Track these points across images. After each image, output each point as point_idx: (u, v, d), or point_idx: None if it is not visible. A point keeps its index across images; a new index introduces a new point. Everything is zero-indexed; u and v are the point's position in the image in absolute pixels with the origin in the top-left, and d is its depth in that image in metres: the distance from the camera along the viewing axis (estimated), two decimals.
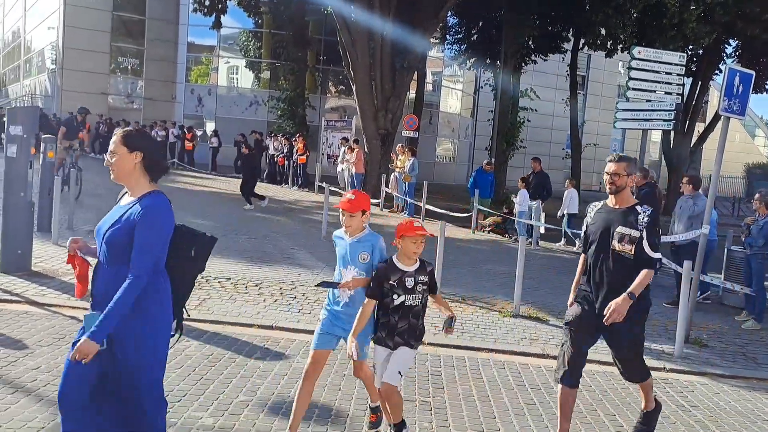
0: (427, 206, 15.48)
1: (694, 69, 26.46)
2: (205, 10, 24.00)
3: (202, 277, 7.68)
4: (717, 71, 26.94)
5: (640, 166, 10.81)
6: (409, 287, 3.70)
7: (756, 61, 25.76)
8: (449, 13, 23.79)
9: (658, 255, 4.01)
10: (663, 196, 10.48)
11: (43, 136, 9.51)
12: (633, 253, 3.97)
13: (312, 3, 22.64)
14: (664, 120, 11.55)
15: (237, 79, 32.07)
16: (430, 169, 30.44)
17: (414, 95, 26.86)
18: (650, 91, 11.74)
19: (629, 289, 3.91)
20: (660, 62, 11.79)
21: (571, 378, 4.10)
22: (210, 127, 28.95)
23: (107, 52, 30.51)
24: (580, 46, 25.23)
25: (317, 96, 30.03)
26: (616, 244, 4.02)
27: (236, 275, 8.01)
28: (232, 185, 18.16)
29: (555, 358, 5.79)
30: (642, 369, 4.27)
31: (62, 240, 8.61)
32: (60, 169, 12.69)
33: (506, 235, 14.61)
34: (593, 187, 40.71)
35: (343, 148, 19.68)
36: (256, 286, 7.69)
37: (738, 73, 6.93)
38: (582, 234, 4.39)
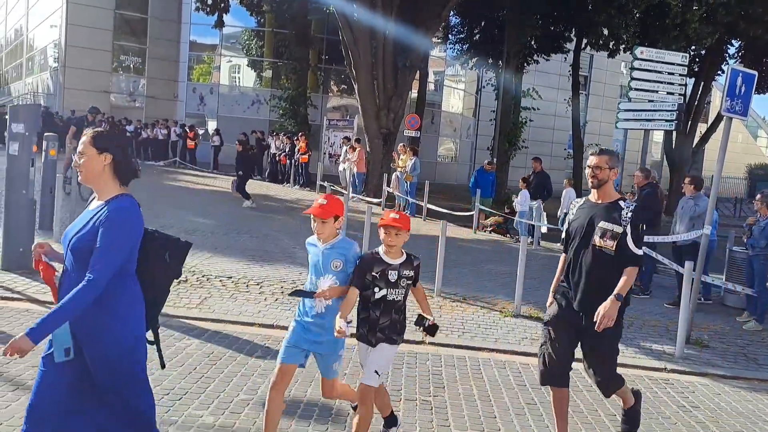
0: (429, 206, 15.48)
1: (696, 69, 26.43)
2: (208, 8, 24.04)
3: (203, 276, 7.69)
4: (719, 72, 26.92)
5: (642, 167, 10.82)
6: (392, 281, 3.56)
7: (759, 62, 25.75)
8: (452, 13, 23.78)
9: (641, 252, 3.91)
10: (664, 197, 10.47)
11: (45, 134, 9.51)
12: (615, 249, 3.85)
13: (314, 2, 22.65)
14: (666, 120, 11.55)
15: (239, 78, 32.09)
16: (432, 168, 30.45)
17: (416, 95, 26.86)
18: (652, 91, 11.73)
19: (616, 291, 3.78)
20: (662, 62, 11.78)
21: (552, 379, 4.03)
22: (212, 125, 28.97)
23: (109, 51, 30.55)
24: (583, 46, 25.21)
25: (319, 95, 30.04)
26: (597, 240, 3.90)
27: (237, 274, 8.02)
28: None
29: None
30: (616, 374, 4.08)
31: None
32: (69, 169, 12.65)
33: (508, 235, 14.60)
34: None
35: (344, 148, 19.67)
36: (258, 285, 7.69)
37: (740, 74, 6.92)
38: (564, 231, 4.25)
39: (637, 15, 20.94)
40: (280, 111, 26.44)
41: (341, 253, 3.55)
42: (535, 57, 25.92)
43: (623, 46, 22.11)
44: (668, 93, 11.78)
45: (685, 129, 26.19)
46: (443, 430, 4.37)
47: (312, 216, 3.53)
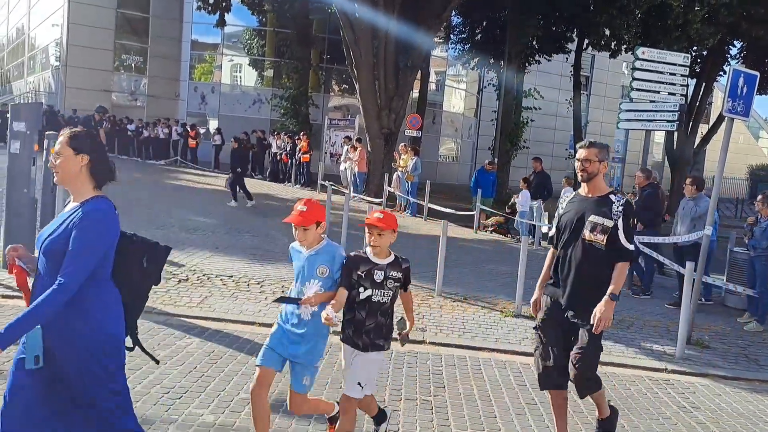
0: (430, 205, 15.48)
1: (698, 70, 26.38)
2: (209, 8, 24.03)
3: (204, 275, 7.69)
4: (721, 72, 26.88)
5: (643, 167, 10.82)
6: (378, 281, 3.43)
7: (760, 63, 25.69)
8: (453, 13, 23.77)
9: (633, 246, 3.83)
10: (666, 197, 10.46)
11: (46, 133, 9.51)
12: (605, 243, 3.78)
13: (316, 1, 22.65)
14: (668, 121, 11.54)
15: (240, 77, 32.09)
16: (433, 168, 30.44)
17: (417, 94, 26.86)
18: (654, 91, 11.73)
19: (610, 291, 3.72)
20: (664, 63, 11.78)
21: (550, 382, 3.99)
22: (213, 125, 28.98)
23: (111, 50, 30.56)
24: (584, 46, 25.19)
25: (320, 94, 30.04)
26: (587, 234, 3.83)
27: (238, 273, 8.02)
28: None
29: None
30: (595, 374, 3.96)
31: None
32: None
33: (509, 235, 14.60)
34: None
35: (346, 147, 19.67)
36: (258, 284, 7.69)
37: (742, 74, 6.92)
38: (554, 225, 4.16)
39: (639, 15, 20.92)
40: (282, 110, 26.45)
41: (327, 258, 3.45)
42: (537, 57, 25.91)
43: (625, 46, 22.10)
44: (670, 93, 11.78)
45: (687, 130, 26.14)
46: (444, 429, 4.36)
47: (293, 225, 3.40)
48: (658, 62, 11.76)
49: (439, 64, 33.58)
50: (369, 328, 3.46)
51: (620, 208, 3.81)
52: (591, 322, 3.73)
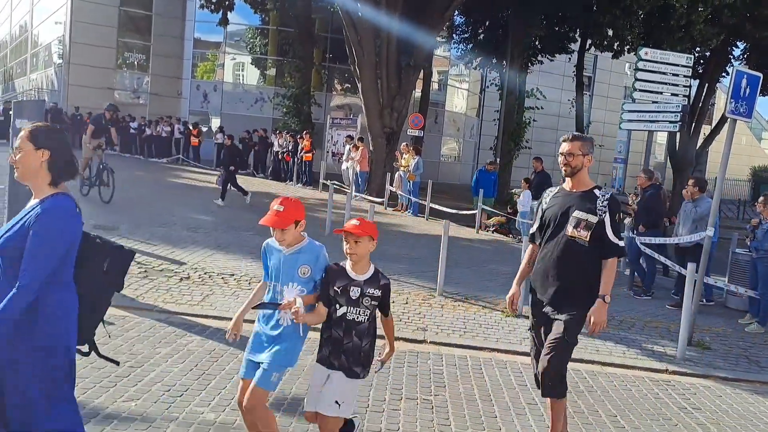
0: (432, 205, 15.48)
1: (701, 71, 26.34)
2: (212, 6, 24.05)
3: (205, 273, 7.69)
4: (724, 73, 26.83)
5: (645, 168, 10.81)
6: (353, 298, 3.18)
7: (764, 64, 25.60)
8: (456, 12, 23.77)
9: (622, 242, 3.73)
10: (668, 198, 10.46)
11: None
12: (588, 240, 3.67)
13: (319, 0, 22.66)
14: (670, 122, 11.54)
15: (243, 76, 32.11)
16: (435, 168, 30.44)
17: (420, 94, 26.86)
18: (657, 92, 11.73)
19: (601, 293, 3.65)
20: (667, 63, 11.78)
21: None
22: (215, 123, 29.00)
23: (114, 48, 30.60)
24: (587, 46, 25.17)
25: (323, 93, 30.05)
26: (570, 229, 3.71)
27: (239, 271, 8.02)
28: (238, 180, 18.16)
29: None
30: (562, 375, 3.81)
31: None
32: (86, 170, 12.22)
33: (510, 235, 14.60)
34: None
35: (348, 146, 19.68)
36: (259, 282, 7.68)
37: (745, 75, 6.91)
38: (536, 221, 4.02)
39: (642, 16, 20.89)
40: (284, 109, 26.47)
41: (310, 258, 3.23)
42: (540, 57, 25.89)
43: (627, 47, 22.05)
44: (672, 94, 11.78)
45: (689, 130, 26.10)
46: (444, 429, 4.36)
47: (271, 227, 3.17)
48: (661, 63, 11.75)
49: (441, 63, 33.57)
50: (347, 347, 3.20)
51: (605, 203, 3.71)
52: (568, 314, 3.66)
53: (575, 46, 25.52)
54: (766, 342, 7.66)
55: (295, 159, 20.73)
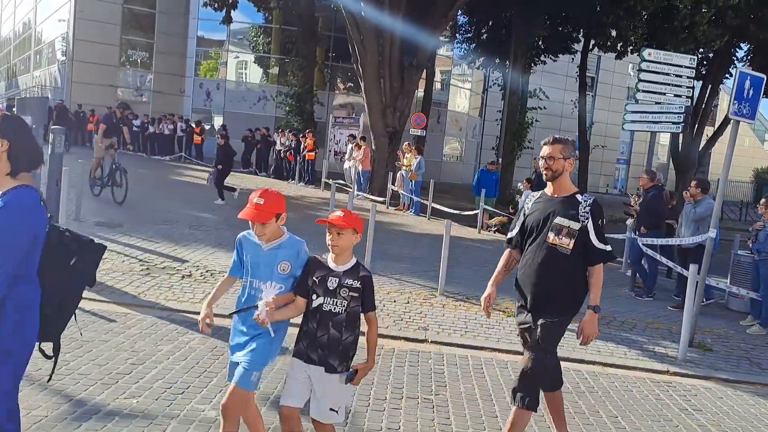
0: (434, 205, 15.48)
1: (704, 72, 26.33)
2: (216, 4, 24.07)
3: (207, 271, 7.70)
4: (727, 75, 26.84)
5: (648, 169, 10.79)
6: (331, 289, 3.06)
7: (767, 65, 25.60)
8: (459, 12, 23.78)
9: (609, 247, 3.61)
10: (670, 200, 10.44)
11: (51, 127, 9.53)
12: (571, 247, 3.56)
13: None
14: (673, 123, 11.53)
15: (246, 74, 32.15)
16: (437, 167, 30.44)
17: (422, 93, 26.85)
18: (660, 93, 11.71)
19: (591, 303, 3.58)
20: (670, 64, 11.76)
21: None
22: (218, 121, 29.03)
23: (117, 45, 30.65)
24: (590, 47, 25.16)
25: (325, 92, 30.07)
26: (551, 237, 3.59)
27: None
28: (239, 179, 18.20)
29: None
30: (537, 389, 3.68)
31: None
32: (98, 170, 12.09)
33: None
34: (600, 189, 40.63)
35: (350, 146, 19.68)
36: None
37: (749, 77, 6.90)
38: (517, 225, 3.89)
39: (646, 17, 20.88)
40: (287, 108, 26.50)
41: (291, 253, 3.11)
42: (543, 57, 25.89)
43: (631, 47, 22.05)
44: (675, 95, 11.76)
45: (692, 132, 26.09)
46: (445, 428, 4.37)
47: (250, 221, 3.05)
48: (664, 64, 11.74)
49: (444, 63, 33.58)
50: (322, 340, 3.08)
51: (588, 209, 3.60)
52: (546, 319, 3.60)
53: (578, 47, 25.51)
54: None
55: (298, 158, 20.73)
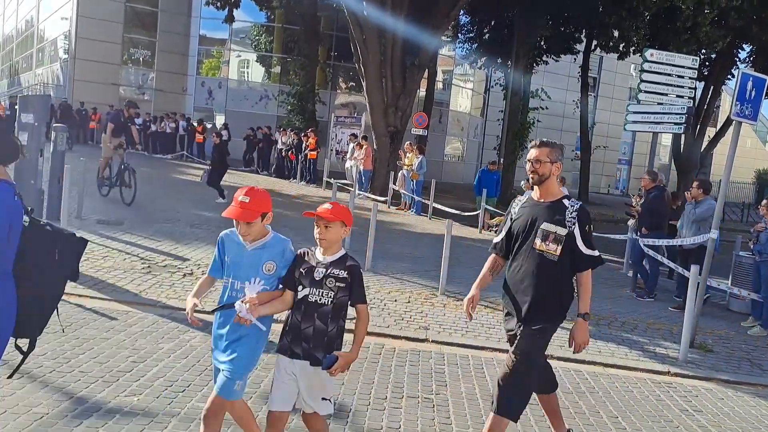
0: (435, 204, 15.48)
1: (706, 73, 26.31)
2: (218, 3, 24.10)
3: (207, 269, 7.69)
4: (730, 76, 26.80)
5: (649, 169, 10.79)
6: (317, 279, 2.99)
7: None
8: (461, 12, 23.78)
9: (596, 252, 3.54)
10: (671, 201, 10.42)
11: (54, 125, 9.54)
12: (558, 253, 3.48)
13: None
14: (675, 123, 11.52)
15: (248, 73, 32.16)
16: (439, 167, 30.45)
17: (424, 93, 26.86)
18: (662, 94, 11.70)
19: (581, 311, 3.52)
20: (672, 65, 11.76)
21: (538, 389, 3.87)
22: (220, 120, 29.05)
23: (119, 43, 30.69)
24: (593, 47, 25.16)
25: (327, 92, 30.08)
26: (538, 243, 3.51)
27: None
28: (241, 178, 18.21)
29: (558, 359, 5.79)
30: (518, 398, 3.53)
31: (71, 229, 8.65)
32: (106, 170, 11.95)
33: None
34: (601, 189, 40.61)
35: (351, 145, 19.69)
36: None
37: (751, 78, 6.89)
38: (503, 231, 3.82)
39: (648, 17, 20.87)
40: (288, 107, 26.51)
41: (276, 253, 3.03)
42: (545, 57, 25.89)
43: (633, 48, 22.06)
44: (678, 96, 11.75)
45: (694, 133, 26.08)
46: (445, 428, 4.37)
47: (234, 220, 2.96)
48: (667, 64, 11.73)
49: (446, 63, 33.56)
50: (307, 333, 3.00)
51: (574, 214, 3.51)
52: (530, 327, 3.53)
53: (580, 47, 25.52)
54: None
55: (299, 157, 20.75)
